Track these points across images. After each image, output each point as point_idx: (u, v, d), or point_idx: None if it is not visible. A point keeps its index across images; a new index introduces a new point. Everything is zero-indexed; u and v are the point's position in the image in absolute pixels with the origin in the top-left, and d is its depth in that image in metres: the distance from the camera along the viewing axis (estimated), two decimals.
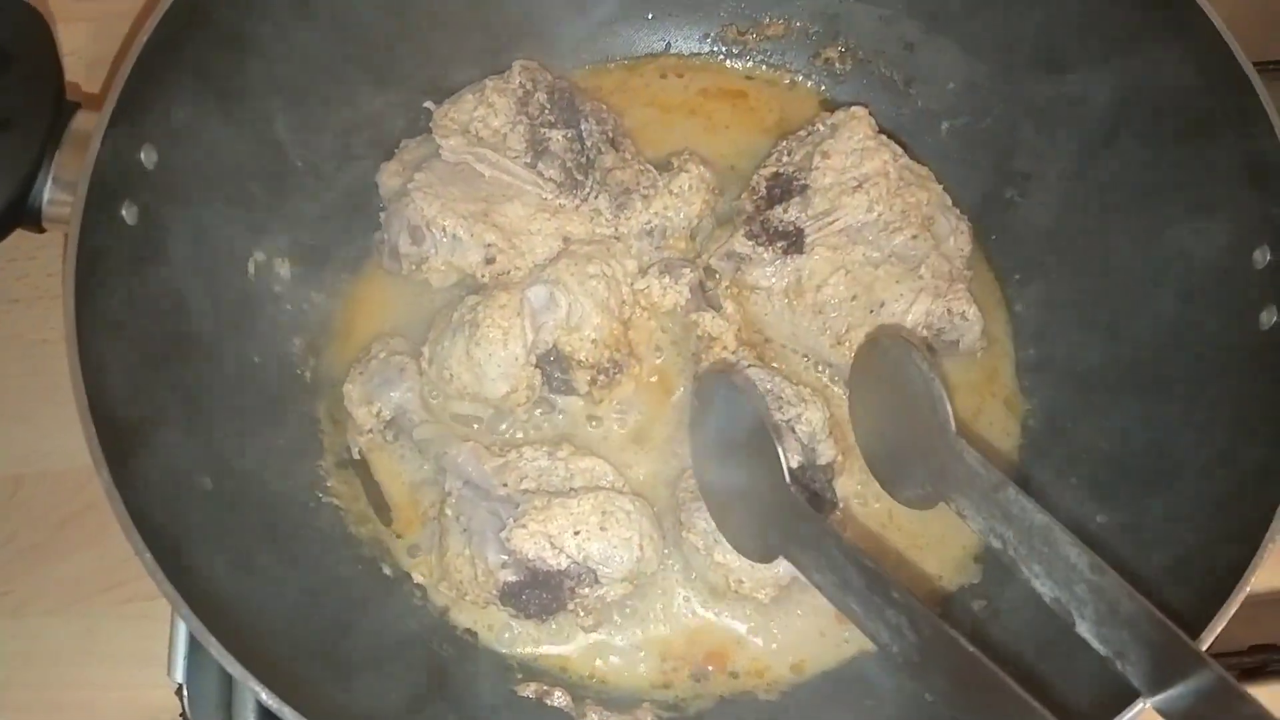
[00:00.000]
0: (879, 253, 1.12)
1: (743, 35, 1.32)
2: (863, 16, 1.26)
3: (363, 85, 1.17)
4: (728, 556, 1.00)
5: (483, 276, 1.11)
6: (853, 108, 1.17)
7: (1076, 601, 0.80)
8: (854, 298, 1.10)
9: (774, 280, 1.13)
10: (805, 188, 1.14)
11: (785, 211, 1.13)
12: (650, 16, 1.32)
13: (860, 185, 1.13)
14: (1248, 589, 0.81)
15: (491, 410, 1.10)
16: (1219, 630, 0.80)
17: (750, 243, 1.13)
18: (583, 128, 1.18)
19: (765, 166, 1.19)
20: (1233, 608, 0.81)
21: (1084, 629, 0.79)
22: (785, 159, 1.18)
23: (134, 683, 1.04)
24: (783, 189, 1.15)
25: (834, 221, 1.12)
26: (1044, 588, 0.82)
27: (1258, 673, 1.07)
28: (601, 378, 1.10)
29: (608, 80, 1.32)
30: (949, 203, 1.18)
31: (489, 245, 1.11)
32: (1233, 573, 0.81)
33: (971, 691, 0.76)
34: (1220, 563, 0.84)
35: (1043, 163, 1.18)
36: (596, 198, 1.15)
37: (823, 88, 1.33)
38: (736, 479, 0.96)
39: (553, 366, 1.08)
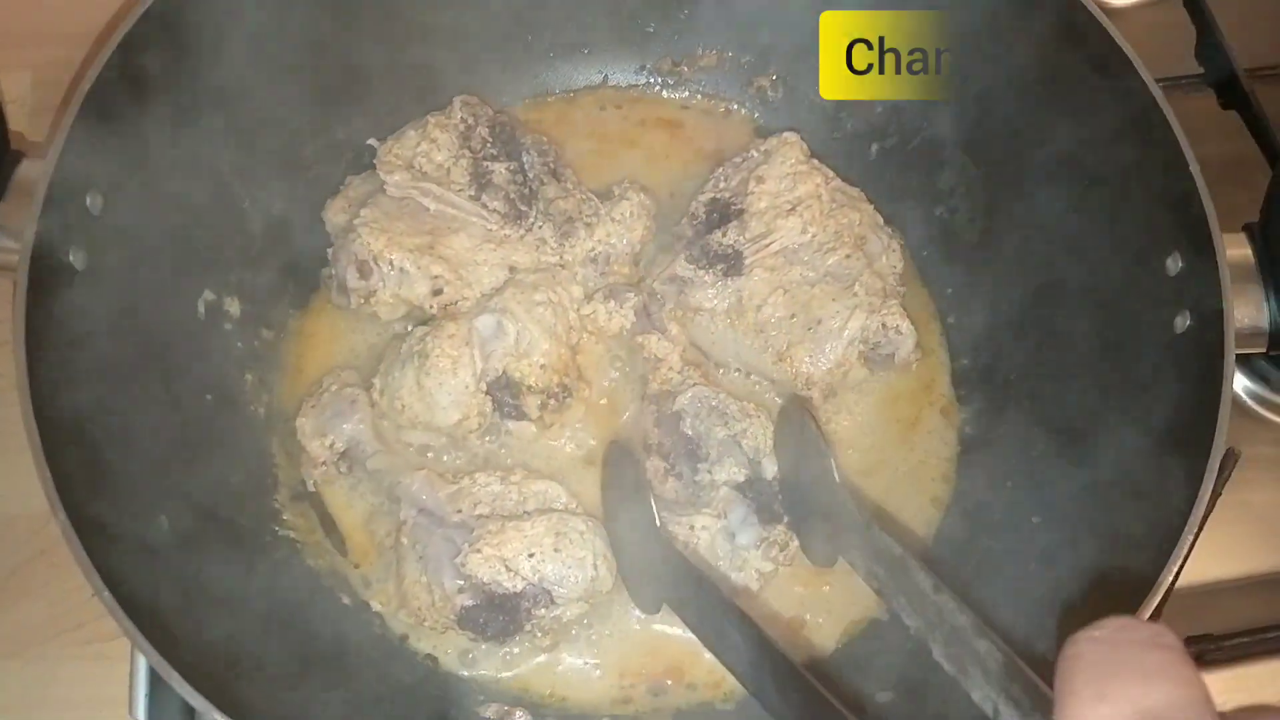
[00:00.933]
0: (814, 272, 1.16)
1: (677, 66, 1.36)
2: (792, 47, 1.30)
3: (307, 125, 1.19)
4: None
5: (431, 308, 1.13)
6: (785, 134, 1.22)
7: (929, 626, 0.82)
8: (792, 316, 1.14)
9: (716, 302, 1.17)
10: (742, 212, 1.18)
11: (724, 235, 1.17)
12: (587, 51, 1.35)
13: (794, 208, 1.16)
14: (1164, 589, 0.85)
15: (444, 439, 1.12)
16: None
17: (691, 266, 1.17)
18: (524, 159, 1.21)
19: (703, 193, 1.22)
20: (1149, 607, 0.84)
21: (937, 653, 0.81)
22: (722, 184, 1.22)
23: None
24: (720, 214, 1.19)
25: (770, 244, 1.16)
26: (908, 620, 0.85)
27: (1195, 661, 1.10)
28: (551, 402, 1.12)
29: (548, 113, 1.35)
30: (880, 222, 1.23)
31: (436, 277, 1.13)
32: (1147, 577, 0.85)
33: None
34: (1141, 562, 0.87)
35: (968, 181, 1.23)
36: (540, 227, 1.18)
37: (756, 115, 1.37)
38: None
39: (503, 393, 1.10)
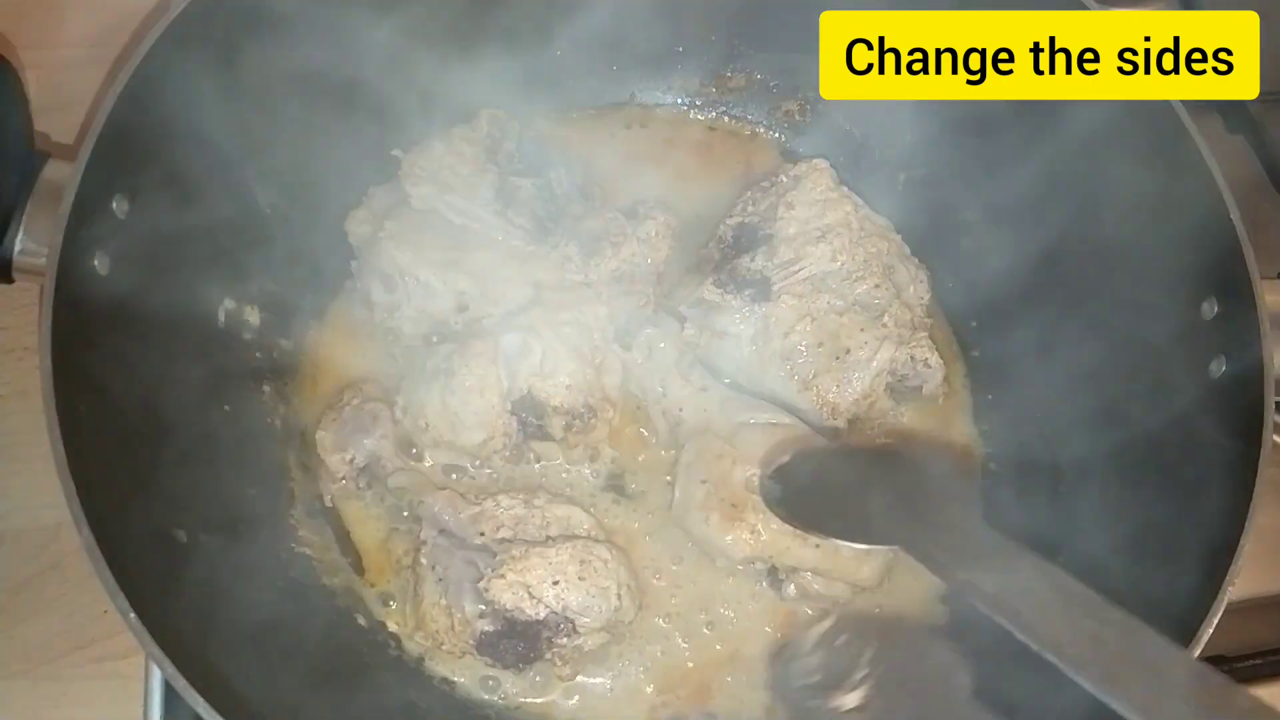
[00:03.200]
0: (843, 301, 1.15)
1: (706, 88, 1.36)
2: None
3: (331, 135, 1.17)
4: None
5: (455, 324, 1.12)
6: (814, 160, 1.20)
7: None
8: (820, 344, 1.13)
9: (742, 327, 1.15)
10: (770, 237, 1.17)
11: (752, 260, 1.16)
12: (615, 68, 1.34)
13: (823, 235, 1.16)
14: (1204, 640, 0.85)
15: (468, 458, 1.10)
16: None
17: (719, 291, 1.15)
18: (552, 176, 1.20)
19: (731, 216, 1.21)
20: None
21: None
22: (750, 209, 1.21)
23: None
24: (749, 238, 1.18)
25: (799, 270, 1.15)
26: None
27: None
28: (576, 423, 1.10)
29: (573, 129, 1.34)
30: (907, 252, 1.22)
31: (461, 293, 1.11)
32: (1189, 627, 0.85)
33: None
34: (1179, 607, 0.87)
35: (996, 213, 1.23)
36: (566, 245, 1.17)
37: (783, 139, 1.37)
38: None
39: (528, 413, 1.09)
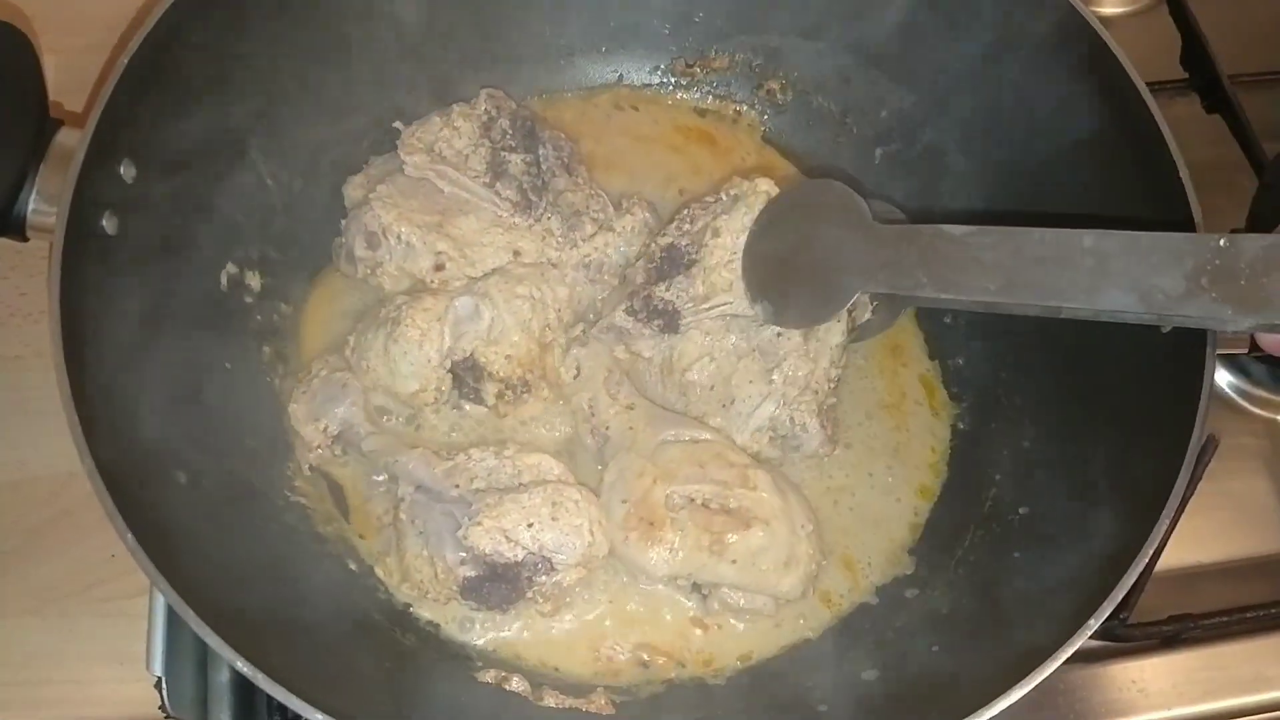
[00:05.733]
0: (747, 344, 1.14)
1: (690, 68, 1.41)
2: (801, 51, 1.35)
3: (333, 109, 1.23)
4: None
5: (431, 281, 1.17)
6: (758, 180, 1.16)
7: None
8: (712, 388, 1.14)
9: (651, 353, 1.17)
10: (694, 263, 1.15)
11: (668, 289, 1.15)
12: (604, 49, 1.40)
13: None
14: (1141, 567, 0.89)
15: (400, 405, 1.15)
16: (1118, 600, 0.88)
17: (630, 319, 1.16)
18: (540, 153, 1.25)
19: (664, 234, 1.19)
20: (1125, 586, 0.88)
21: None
22: (686, 227, 1.18)
23: (113, 678, 1.07)
24: (672, 263, 1.16)
25: (711, 309, 1.14)
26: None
27: (1174, 639, 1.16)
28: (510, 393, 1.15)
29: (566, 110, 1.39)
30: None
31: (439, 253, 1.17)
32: (1127, 555, 0.89)
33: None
34: (1122, 544, 0.91)
35: (969, 186, 1.27)
36: (549, 219, 1.22)
37: (766, 116, 1.41)
38: (804, 255, 1.08)
39: (467, 374, 1.14)
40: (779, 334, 1.13)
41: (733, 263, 1.14)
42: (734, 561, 1.05)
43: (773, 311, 1.11)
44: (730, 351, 1.14)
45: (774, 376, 1.13)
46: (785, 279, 1.10)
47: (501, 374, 1.14)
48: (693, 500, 1.07)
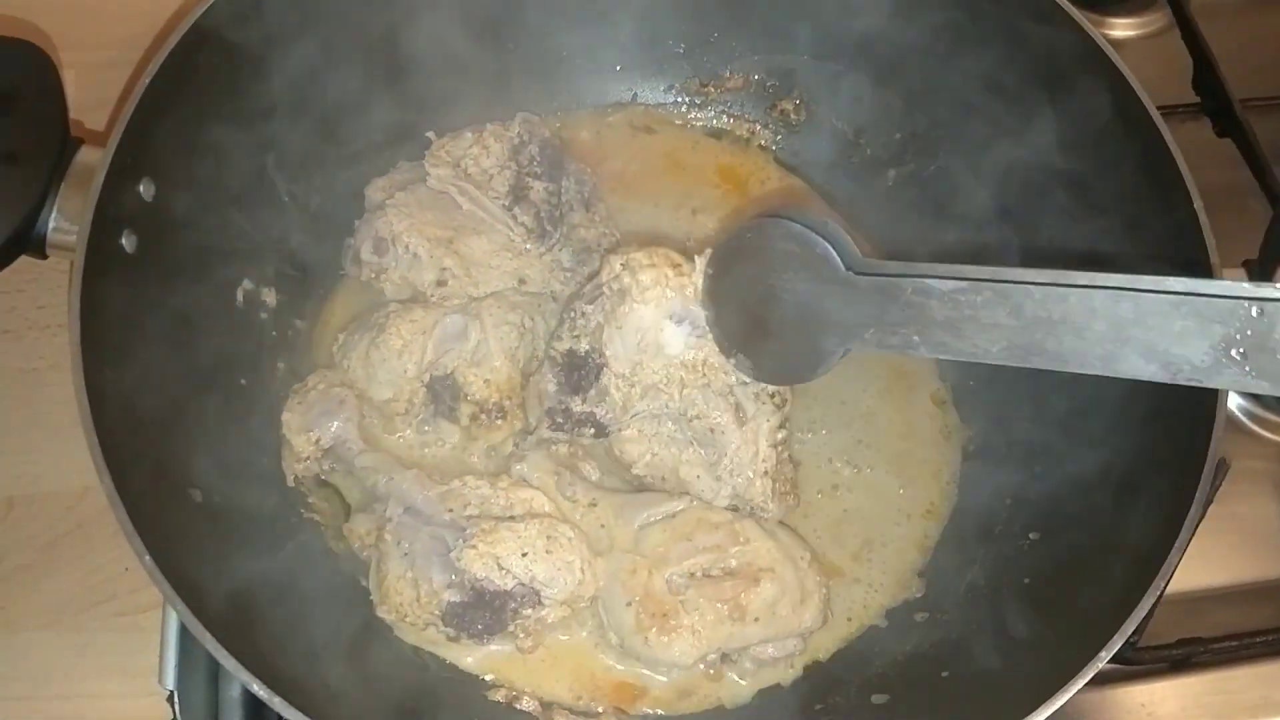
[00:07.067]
0: (683, 434, 1.10)
1: (704, 87, 1.41)
2: (815, 71, 1.36)
3: (352, 128, 1.24)
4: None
5: (431, 295, 1.18)
6: (635, 261, 1.06)
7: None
8: (664, 478, 1.11)
9: (592, 442, 1.13)
10: (601, 369, 1.08)
11: (583, 403, 1.09)
12: (618, 68, 1.41)
13: (654, 384, 1.07)
14: (1158, 593, 0.89)
15: (375, 411, 1.16)
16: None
17: (556, 434, 1.11)
18: (563, 184, 1.25)
19: (559, 338, 1.11)
20: (1143, 611, 0.88)
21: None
22: (580, 323, 1.09)
23: (126, 692, 1.07)
24: (578, 374, 1.09)
25: (633, 415, 1.09)
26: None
27: (1184, 663, 1.15)
28: (483, 417, 1.15)
29: (587, 131, 1.40)
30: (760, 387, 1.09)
31: (444, 269, 1.18)
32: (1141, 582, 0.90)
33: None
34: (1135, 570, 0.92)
35: (981, 208, 1.27)
36: (561, 250, 1.23)
37: (779, 137, 1.42)
38: (775, 310, 0.95)
39: (445, 392, 1.15)
40: (711, 430, 1.07)
41: (643, 364, 1.06)
42: (757, 619, 1.03)
43: (750, 367, 1.04)
44: (669, 440, 1.10)
45: (719, 472, 1.09)
46: (758, 335, 1.00)
47: (478, 397, 1.15)
48: (693, 575, 1.04)
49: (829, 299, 0.89)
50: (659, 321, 1.05)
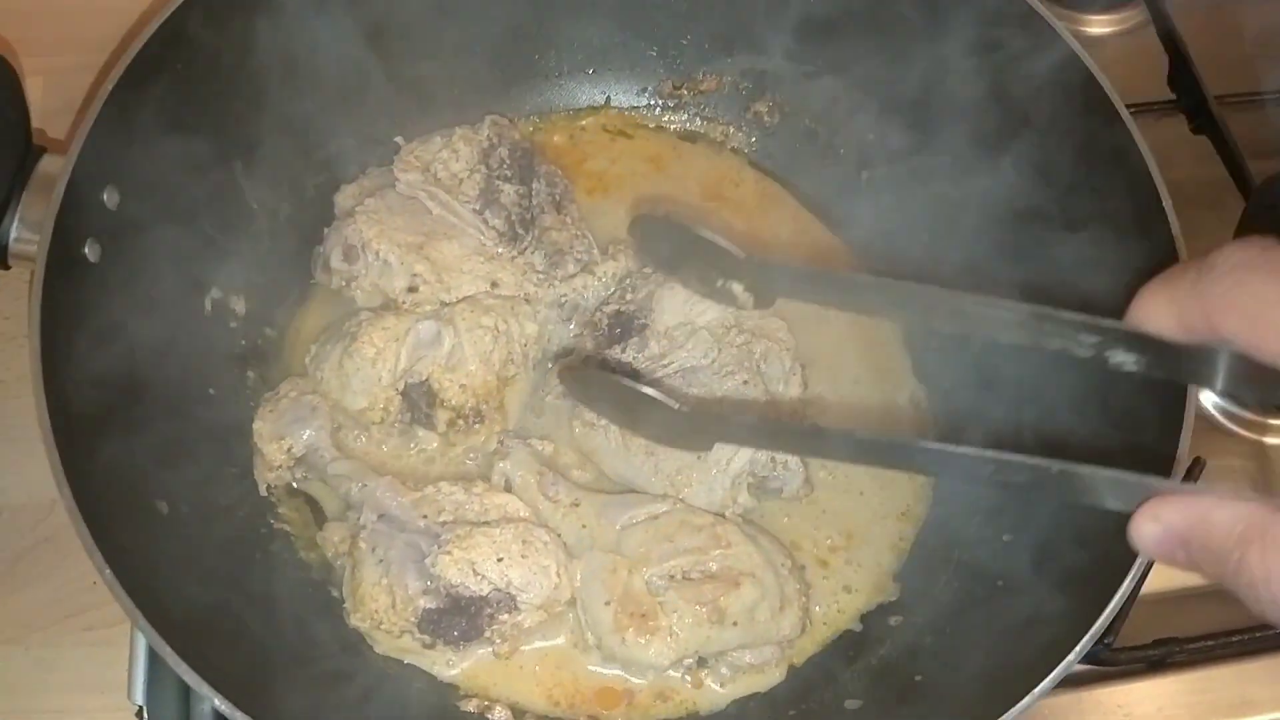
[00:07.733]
0: (711, 396, 1.12)
1: (678, 90, 1.41)
2: (788, 74, 1.35)
3: (319, 134, 1.23)
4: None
5: (403, 302, 1.17)
6: None
7: None
8: (652, 477, 1.11)
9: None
10: (645, 328, 1.16)
11: (623, 352, 1.14)
12: (591, 71, 1.40)
13: (696, 331, 1.15)
14: (1131, 587, 0.89)
15: (350, 420, 1.15)
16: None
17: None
18: (534, 186, 1.25)
19: (608, 303, 1.19)
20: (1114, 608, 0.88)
21: None
22: (629, 295, 1.19)
23: (94, 706, 1.05)
24: (624, 328, 1.16)
25: (669, 364, 1.13)
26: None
27: (1161, 663, 1.15)
28: (461, 422, 1.15)
29: (560, 136, 1.40)
30: (787, 347, 1.18)
31: (415, 275, 1.17)
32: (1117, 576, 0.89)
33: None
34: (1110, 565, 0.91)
35: (953, 211, 1.27)
36: (533, 253, 1.22)
37: (754, 139, 1.41)
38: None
39: (420, 399, 1.14)
40: (744, 381, 1.12)
41: (683, 323, 1.14)
42: (735, 624, 1.03)
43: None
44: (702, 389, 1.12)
45: None
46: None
47: (454, 402, 1.14)
48: (674, 577, 1.04)
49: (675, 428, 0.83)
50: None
